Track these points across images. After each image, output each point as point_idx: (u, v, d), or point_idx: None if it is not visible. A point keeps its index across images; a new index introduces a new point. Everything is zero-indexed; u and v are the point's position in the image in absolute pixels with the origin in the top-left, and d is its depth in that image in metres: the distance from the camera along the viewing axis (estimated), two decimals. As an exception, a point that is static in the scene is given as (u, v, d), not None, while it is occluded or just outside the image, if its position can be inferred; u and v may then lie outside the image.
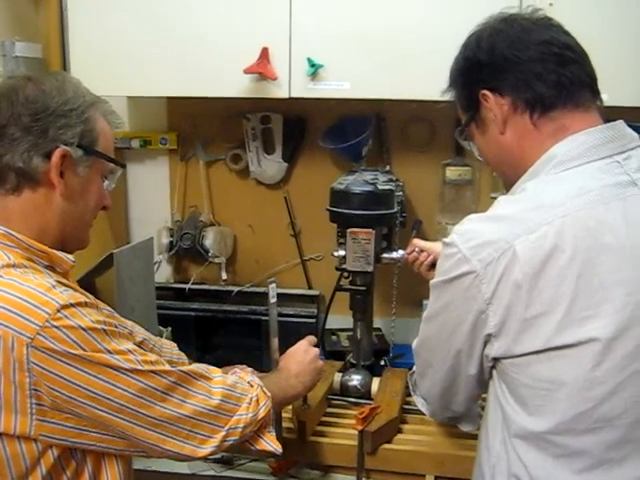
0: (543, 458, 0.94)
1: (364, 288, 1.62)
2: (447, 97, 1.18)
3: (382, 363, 1.83)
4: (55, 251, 1.03)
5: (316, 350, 1.40)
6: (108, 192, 1.13)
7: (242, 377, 1.18)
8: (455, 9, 1.55)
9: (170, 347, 1.52)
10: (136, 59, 1.68)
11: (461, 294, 0.99)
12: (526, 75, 1.02)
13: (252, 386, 1.16)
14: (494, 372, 1.03)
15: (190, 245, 2.00)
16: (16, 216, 1.01)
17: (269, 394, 1.17)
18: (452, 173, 1.93)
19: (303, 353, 1.38)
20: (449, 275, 1.00)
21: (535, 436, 0.95)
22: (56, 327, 0.90)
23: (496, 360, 1.00)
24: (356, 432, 1.41)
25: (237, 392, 1.11)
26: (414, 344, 1.18)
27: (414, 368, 1.23)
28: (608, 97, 1.52)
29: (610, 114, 1.77)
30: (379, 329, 2.00)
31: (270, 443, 1.16)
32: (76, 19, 1.70)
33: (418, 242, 1.51)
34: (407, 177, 1.93)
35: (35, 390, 0.90)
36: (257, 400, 1.14)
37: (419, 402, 1.24)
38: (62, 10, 1.81)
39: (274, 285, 1.39)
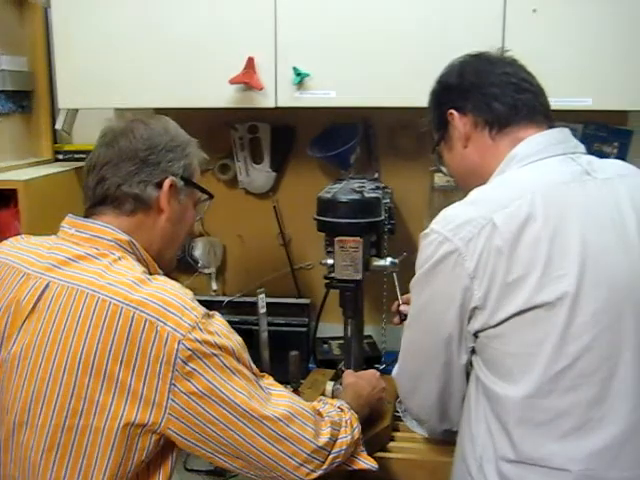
0: (528, 429, 1.00)
1: (354, 285, 1.60)
2: (428, 117, 1.30)
3: (378, 367, 1.82)
4: (155, 264, 1.16)
5: (384, 384, 1.49)
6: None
7: (332, 403, 1.24)
8: (440, 18, 1.56)
9: None
10: (122, 71, 1.68)
11: (446, 276, 1.05)
12: (486, 97, 1.17)
13: (342, 410, 1.22)
14: (475, 358, 1.08)
15: (179, 256, 1.99)
16: (130, 232, 1.11)
17: (356, 415, 1.23)
18: (440, 179, 1.92)
19: (376, 379, 1.47)
20: (432, 260, 1.07)
21: (519, 405, 1.00)
22: (201, 329, 0.98)
23: (479, 337, 1.05)
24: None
25: (336, 418, 1.17)
26: (394, 370, 1.25)
27: (399, 397, 1.29)
28: (592, 101, 1.55)
29: (593, 117, 1.80)
30: (370, 336, 2.00)
31: (365, 461, 1.22)
32: (61, 33, 1.69)
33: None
34: (396, 184, 1.92)
35: (174, 385, 0.97)
36: (351, 422, 1.20)
37: (413, 425, 1.26)
38: (47, 24, 1.81)
39: (263, 295, 1.39)
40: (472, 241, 1.02)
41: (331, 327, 1.94)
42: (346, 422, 1.18)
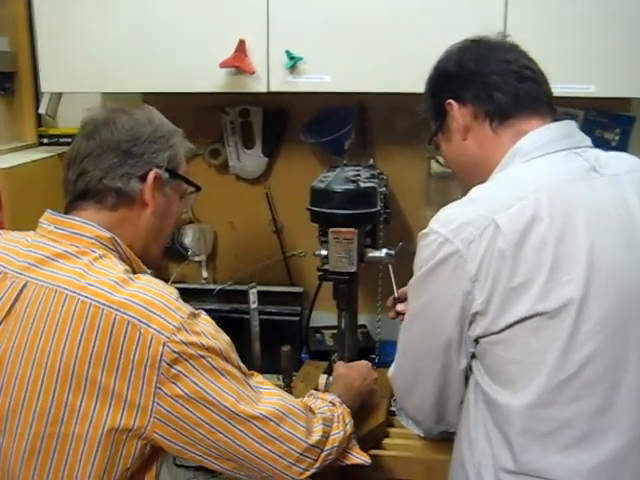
0: (529, 440, 0.96)
1: (347, 277, 1.56)
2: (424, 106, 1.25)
3: (372, 357, 1.79)
4: (139, 261, 1.12)
5: (376, 375, 1.46)
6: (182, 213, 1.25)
7: (323, 398, 1.21)
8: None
9: None
10: (108, 54, 1.61)
11: (447, 279, 1.00)
12: (487, 86, 1.11)
13: (334, 405, 1.19)
14: (474, 363, 1.04)
15: (169, 244, 1.94)
16: (112, 227, 1.07)
17: (348, 409, 1.20)
18: (437, 165, 1.87)
19: (367, 370, 1.45)
20: (432, 261, 1.01)
21: (522, 415, 0.95)
22: (186, 330, 0.95)
23: (480, 342, 1.00)
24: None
25: (328, 414, 1.14)
26: (391, 370, 1.20)
27: (395, 395, 1.23)
28: (595, 88, 1.51)
29: (595, 103, 1.75)
30: (364, 326, 1.96)
31: (358, 456, 1.19)
32: (43, 13, 1.62)
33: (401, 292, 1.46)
34: (391, 170, 1.87)
35: (159, 389, 0.93)
36: (343, 417, 1.17)
37: (408, 424, 1.22)
38: (29, 2, 1.73)
39: (255, 290, 1.34)
40: (474, 243, 0.97)
41: (324, 316, 1.90)
42: (338, 417, 1.15)
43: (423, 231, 1.04)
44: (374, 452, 1.40)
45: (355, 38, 1.54)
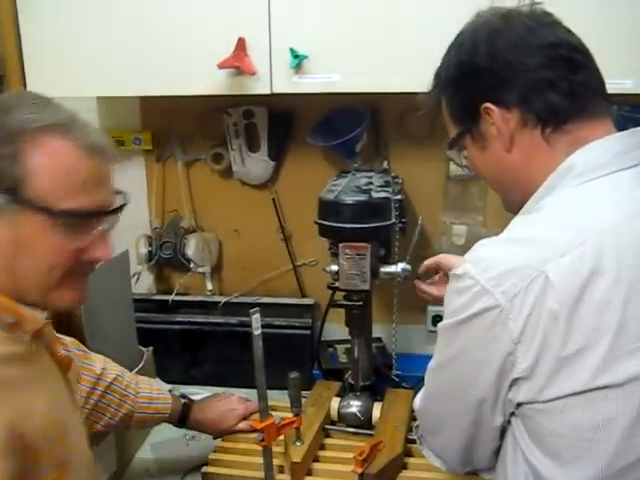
0: None
1: (361, 303, 1.45)
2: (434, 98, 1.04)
3: (394, 378, 1.69)
4: (23, 308, 0.85)
5: None
6: (101, 240, 0.89)
7: None
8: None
9: (149, 383, 1.39)
10: (101, 56, 1.50)
11: (482, 334, 0.84)
12: (535, 84, 0.89)
13: None
14: (514, 420, 0.88)
15: (171, 254, 1.85)
16: None
17: None
18: (456, 167, 1.76)
19: None
20: (465, 313, 0.85)
21: None
22: None
23: (520, 405, 0.85)
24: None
25: None
26: (417, 404, 1.03)
27: (417, 422, 1.08)
28: (633, 83, 1.36)
29: (631, 99, 1.60)
30: (379, 339, 1.85)
31: None
32: (27, 9, 1.51)
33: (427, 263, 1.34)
34: (407, 173, 1.75)
35: None
36: None
37: (430, 455, 1.08)
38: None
39: (257, 315, 1.22)
40: (518, 297, 0.80)
41: (336, 329, 1.77)
42: None
43: (457, 271, 0.87)
44: (389, 487, 1.29)
45: (365, 33, 1.41)
